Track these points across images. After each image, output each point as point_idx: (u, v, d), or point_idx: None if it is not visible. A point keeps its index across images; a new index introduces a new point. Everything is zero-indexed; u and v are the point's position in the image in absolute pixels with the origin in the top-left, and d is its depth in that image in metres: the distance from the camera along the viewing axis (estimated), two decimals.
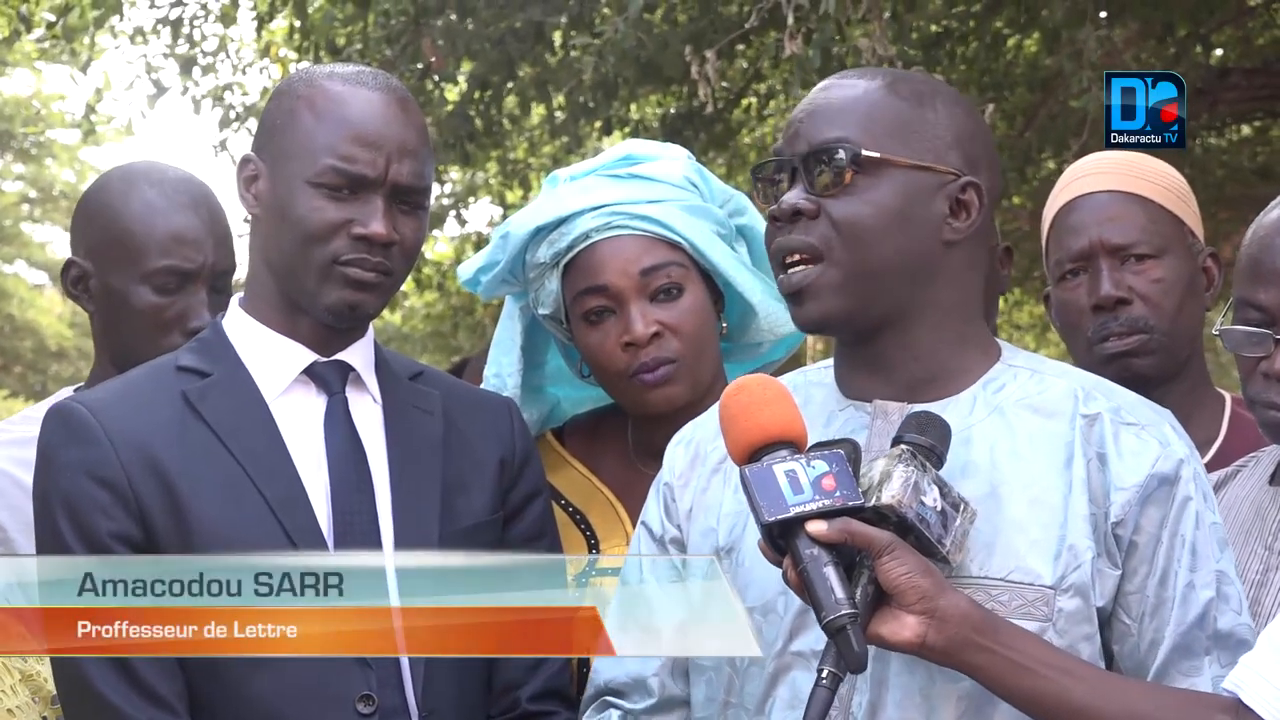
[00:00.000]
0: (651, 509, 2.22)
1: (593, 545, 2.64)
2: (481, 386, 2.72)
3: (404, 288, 9.47)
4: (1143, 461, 2.00)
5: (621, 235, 2.62)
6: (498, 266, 2.72)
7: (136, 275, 2.71)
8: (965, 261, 2.07)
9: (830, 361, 2.16)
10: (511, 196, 9.95)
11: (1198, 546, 1.99)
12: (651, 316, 2.59)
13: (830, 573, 1.84)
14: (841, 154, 2.01)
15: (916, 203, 2.02)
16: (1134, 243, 2.66)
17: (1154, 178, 2.71)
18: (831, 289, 2.02)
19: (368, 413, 2.34)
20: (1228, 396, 2.76)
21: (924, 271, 2.03)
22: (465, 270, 2.79)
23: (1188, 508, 2.00)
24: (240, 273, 2.76)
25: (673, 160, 2.74)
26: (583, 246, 2.62)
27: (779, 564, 1.90)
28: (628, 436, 2.73)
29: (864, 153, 2.01)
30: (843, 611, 1.82)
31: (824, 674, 1.84)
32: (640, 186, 2.66)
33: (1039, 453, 2.01)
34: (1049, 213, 2.78)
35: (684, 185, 2.69)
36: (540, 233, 2.66)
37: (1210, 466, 2.48)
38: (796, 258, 2.04)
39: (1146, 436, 2.02)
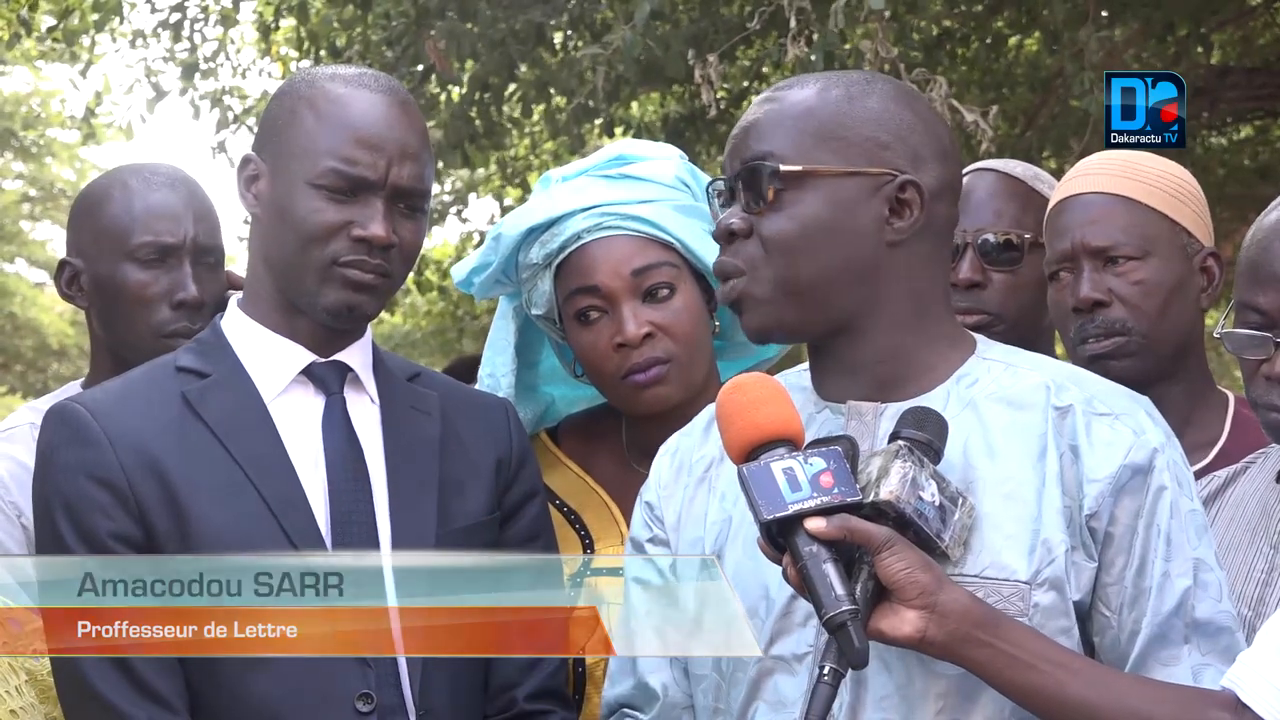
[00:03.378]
0: (637, 522, 2.22)
1: (587, 545, 2.64)
2: (476, 387, 2.72)
3: (404, 287, 9.47)
4: (1115, 452, 1.98)
5: (613, 236, 2.62)
6: (491, 267, 2.72)
7: (122, 255, 2.79)
8: (915, 259, 2.03)
9: (807, 365, 2.15)
10: (511, 194, 9.94)
11: (1173, 535, 1.97)
12: (643, 317, 2.59)
13: (830, 569, 1.84)
14: (765, 171, 2.00)
15: (849, 210, 2.00)
16: (1114, 245, 2.63)
17: (1147, 178, 2.68)
18: (760, 301, 2.02)
19: (365, 413, 2.35)
20: (1231, 396, 2.74)
21: (869, 275, 2.01)
22: (459, 271, 2.80)
23: (1163, 497, 1.98)
24: (238, 269, 2.78)
25: (664, 160, 2.73)
26: (574, 247, 2.62)
27: (779, 562, 1.90)
28: (622, 436, 2.73)
29: (783, 168, 1.99)
30: (843, 608, 1.82)
31: (825, 670, 1.83)
32: (632, 187, 2.66)
33: (1012, 447, 2.00)
34: (1047, 213, 2.77)
35: (676, 185, 2.69)
36: (532, 233, 2.66)
37: (1212, 467, 2.48)
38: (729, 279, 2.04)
39: (1120, 426, 2.00)
